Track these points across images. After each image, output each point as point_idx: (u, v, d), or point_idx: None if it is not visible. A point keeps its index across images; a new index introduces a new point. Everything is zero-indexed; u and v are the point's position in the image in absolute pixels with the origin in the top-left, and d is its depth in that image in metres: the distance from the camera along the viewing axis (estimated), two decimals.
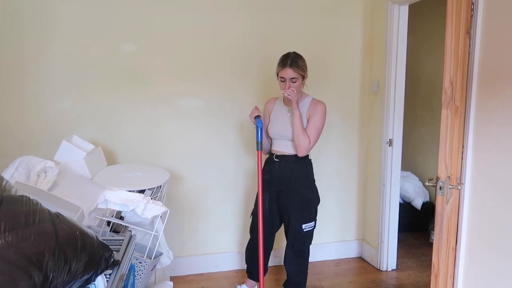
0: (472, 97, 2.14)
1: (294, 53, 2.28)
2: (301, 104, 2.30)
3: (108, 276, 1.22)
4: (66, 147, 2.31)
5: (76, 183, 2.16)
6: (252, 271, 2.56)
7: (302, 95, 2.36)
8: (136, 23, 2.67)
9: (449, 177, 1.71)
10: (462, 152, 2.22)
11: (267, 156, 2.44)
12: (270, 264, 2.71)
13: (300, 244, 2.34)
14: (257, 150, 2.30)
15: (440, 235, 1.68)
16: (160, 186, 2.32)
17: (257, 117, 2.31)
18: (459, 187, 1.79)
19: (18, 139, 2.60)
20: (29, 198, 1.14)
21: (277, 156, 2.33)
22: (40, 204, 1.15)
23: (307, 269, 2.43)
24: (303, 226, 2.30)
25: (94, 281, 1.19)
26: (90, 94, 2.67)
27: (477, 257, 2.17)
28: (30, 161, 2.02)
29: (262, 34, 2.88)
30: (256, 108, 2.35)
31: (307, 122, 2.27)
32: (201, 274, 2.97)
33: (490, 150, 2.07)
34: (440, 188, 1.67)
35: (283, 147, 2.34)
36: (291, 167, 2.30)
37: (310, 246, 2.43)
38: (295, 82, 2.20)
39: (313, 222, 2.35)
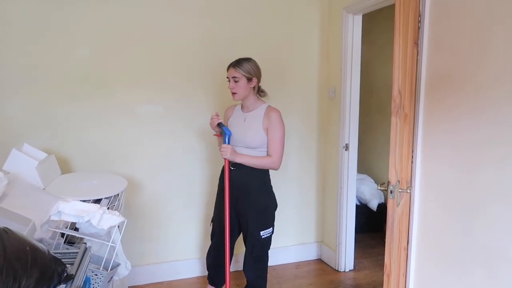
0: (420, 104, 2.27)
1: (246, 57, 2.35)
2: (255, 112, 2.34)
3: None
4: (16, 156, 2.21)
5: (27, 193, 2.08)
6: (213, 278, 2.55)
7: (256, 101, 2.37)
8: (91, 26, 2.60)
9: (399, 181, 1.80)
10: (412, 157, 2.34)
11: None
12: (231, 269, 2.71)
13: (258, 251, 2.36)
14: (224, 157, 2.29)
15: (391, 236, 1.76)
16: (118, 194, 2.27)
17: (220, 124, 2.34)
18: (409, 191, 1.89)
19: None
20: None
21: (233, 164, 2.32)
22: None
23: (267, 274, 2.46)
24: (261, 233, 2.32)
25: None
26: (42, 100, 2.57)
27: (428, 256, 2.29)
28: None
29: (220, 39, 2.89)
30: (216, 115, 2.36)
31: (268, 135, 2.27)
32: (162, 283, 2.93)
33: (437, 154, 2.20)
34: (391, 192, 1.76)
35: (244, 151, 2.34)
36: (247, 175, 2.31)
37: (270, 250, 2.45)
38: (238, 81, 2.28)
39: (271, 228, 2.37)
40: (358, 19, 2.95)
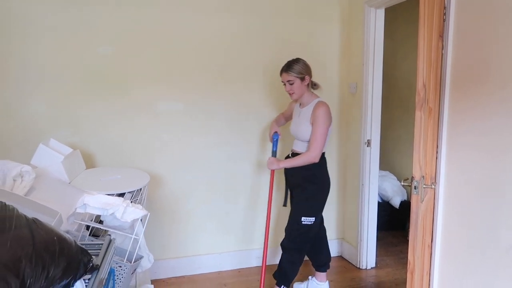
0: (445, 98, 2.21)
1: (294, 59, 2.49)
2: (307, 107, 2.49)
3: (87, 281, 1.21)
4: (43, 150, 2.27)
5: (53, 187, 2.13)
6: (313, 263, 2.78)
7: (310, 97, 2.51)
8: (113, 24, 2.64)
9: (423, 176, 1.76)
10: (437, 152, 2.29)
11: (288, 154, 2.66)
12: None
13: (296, 236, 2.49)
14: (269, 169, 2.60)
15: (415, 233, 1.73)
16: (140, 189, 2.30)
17: (274, 135, 2.70)
18: (433, 186, 1.85)
19: None
20: (5, 204, 1.12)
21: (292, 154, 2.56)
22: (17, 210, 1.13)
23: (299, 262, 2.55)
24: (303, 218, 2.45)
25: (73, 286, 1.18)
26: (67, 97, 2.63)
27: (452, 254, 2.24)
28: (5, 166, 1.98)
29: (240, 36, 2.90)
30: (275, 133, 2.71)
31: (312, 128, 2.43)
32: (183, 277, 2.96)
33: (463, 150, 2.14)
34: (415, 187, 1.72)
35: (296, 146, 2.56)
36: (296, 168, 2.48)
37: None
38: (292, 84, 2.45)
39: (313, 218, 2.47)
40: (381, 13, 2.89)
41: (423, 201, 1.81)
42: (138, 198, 2.23)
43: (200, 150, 2.93)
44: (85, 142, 2.70)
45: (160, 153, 2.85)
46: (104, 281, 1.28)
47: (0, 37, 2.48)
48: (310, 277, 2.79)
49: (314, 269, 2.78)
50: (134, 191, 2.25)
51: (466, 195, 2.13)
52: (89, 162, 2.69)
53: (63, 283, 1.12)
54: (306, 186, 2.49)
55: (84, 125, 2.69)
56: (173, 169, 2.89)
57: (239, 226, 3.09)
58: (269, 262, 3.06)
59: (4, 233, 1.02)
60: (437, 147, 2.26)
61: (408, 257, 1.75)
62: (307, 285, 2.77)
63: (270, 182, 2.65)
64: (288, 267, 2.54)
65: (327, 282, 2.70)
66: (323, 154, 2.49)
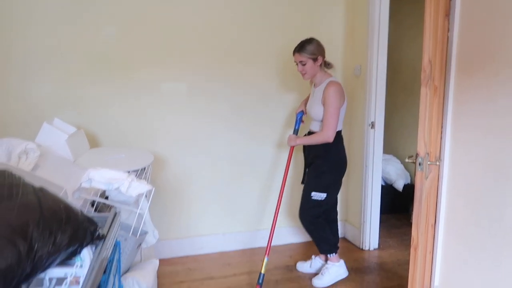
0: (451, 77, 2.19)
1: (307, 39, 2.49)
2: (320, 87, 2.51)
3: (94, 249, 1.23)
4: (47, 129, 2.28)
5: (58, 165, 2.14)
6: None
7: (323, 76, 2.52)
8: (117, 5, 2.63)
9: (428, 153, 1.76)
10: (441, 130, 2.28)
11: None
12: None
13: (306, 209, 2.57)
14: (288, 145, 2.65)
15: (419, 209, 1.73)
16: (144, 168, 2.31)
17: (298, 114, 2.74)
18: (438, 163, 1.85)
19: None
20: (11, 172, 1.13)
21: (309, 133, 2.63)
22: (23, 179, 1.14)
23: (323, 232, 2.63)
24: (313, 193, 2.52)
25: (80, 253, 1.20)
26: (71, 78, 2.63)
27: (456, 232, 2.24)
28: (10, 143, 1.99)
29: (246, 17, 2.87)
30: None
31: (323, 108, 2.45)
32: (187, 257, 2.99)
33: (468, 129, 2.13)
34: (419, 164, 1.72)
35: (312, 125, 2.61)
36: (313, 146, 2.54)
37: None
38: (305, 64, 2.46)
39: (325, 194, 2.52)
40: None
41: (427, 178, 1.81)
42: (142, 178, 2.24)
43: (204, 131, 2.93)
44: (89, 123, 2.70)
45: (164, 135, 2.86)
46: (110, 251, 1.30)
47: (4, 19, 2.47)
48: (313, 256, 2.81)
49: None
50: (138, 170, 2.26)
51: (471, 174, 2.13)
52: (93, 143, 2.70)
53: (70, 250, 1.13)
54: (319, 162, 2.54)
55: (88, 106, 2.69)
56: (177, 151, 2.90)
57: (243, 208, 3.11)
58: (274, 243, 3.09)
59: (12, 199, 1.03)
60: (442, 126, 2.26)
61: (412, 234, 1.76)
62: (311, 265, 2.79)
63: (288, 160, 2.66)
64: (317, 239, 2.65)
65: (341, 260, 2.70)
66: (339, 132, 2.52)
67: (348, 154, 3.25)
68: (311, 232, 2.65)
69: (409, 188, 3.71)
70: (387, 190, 3.66)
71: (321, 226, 2.62)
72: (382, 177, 3.57)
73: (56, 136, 2.27)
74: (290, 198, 3.17)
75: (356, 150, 3.18)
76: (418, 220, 1.75)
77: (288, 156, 2.68)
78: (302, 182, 2.72)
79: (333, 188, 2.59)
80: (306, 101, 2.77)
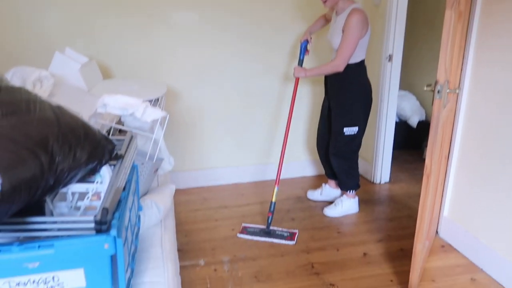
0: (477, 4, 2.07)
1: None
2: (342, 15, 2.39)
3: (113, 167, 1.26)
4: (60, 58, 2.26)
5: (73, 94, 2.15)
6: (326, 171, 2.86)
7: (345, 3, 2.39)
8: None
9: (447, 81, 1.71)
10: (463, 59, 2.20)
11: None
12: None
13: (341, 147, 2.55)
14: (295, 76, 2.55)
15: (434, 138, 1.72)
16: (158, 99, 2.32)
17: (303, 44, 2.60)
18: (457, 91, 1.80)
19: (8, 51, 2.54)
20: (27, 89, 1.14)
21: None
22: (40, 96, 1.15)
23: (355, 171, 2.65)
24: (345, 129, 2.50)
25: (99, 171, 1.23)
26: (82, 8, 2.56)
27: (469, 164, 2.25)
28: (23, 71, 1.99)
29: None
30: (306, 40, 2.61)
31: (342, 35, 2.35)
32: (201, 187, 3.09)
33: (491, 60, 2.05)
34: (438, 91, 1.68)
35: (333, 56, 2.48)
36: (336, 74, 2.43)
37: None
38: None
39: (356, 128, 2.51)
40: None
41: (445, 107, 1.77)
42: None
43: (216, 63, 2.88)
44: (100, 54, 2.67)
45: (176, 67, 2.82)
46: (128, 170, 1.33)
47: None
48: (323, 184, 2.89)
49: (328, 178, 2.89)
50: (152, 100, 2.26)
51: (488, 106, 2.08)
52: (105, 74, 2.69)
53: (90, 166, 1.17)
54: (343, 95, 2.48)
55: (100, 37, 2.65)
56: (190, 83, 2.88)
57: (257, 141, 3.14)
58: (284, 175, 3.15)
59: (30, 114, 1.04)
60: (464, 54, 2.17)
61: (426, 162, 1.76)
62: (321, 192, 2.86)
63: (294, 91, 2.59)
64: (346, 175, 2.64)
65: (357, 197, 2.75)
66: (362, 61, 2.45)
67: None
68: (342, 168, 2.62)
69: (424, 125, 3.67)
70: (401, 126, 3.63)
71: (355, 162, 2.64)
72: (396, 113, 3.52)
73: (68, 65, 2.25)
74: (302, 131, 3.18)
75: (372, 83, 3.10)
76: (432, 148, 1.74)
77: (294, 88, 2.60)
78: (322, 116, 2.68)
79: (363, 119, 2.53)
80: (311, 29, 2.67)
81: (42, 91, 1.99)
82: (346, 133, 2.50)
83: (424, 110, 3.77)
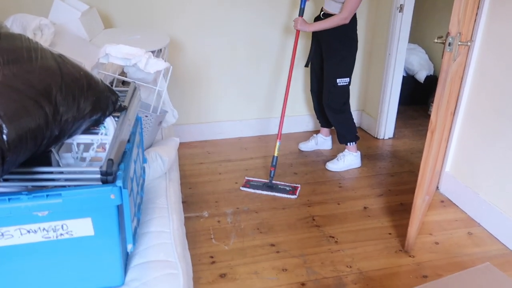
0: None
1: None
2: None
3: (117, 119, 1.26)
4: (59, 6, 2.19)
5: (74, 43, 2.11)
6: (320, 121, 2.94)
7: None
8: None
9: (460, 33, 1.65)
10: (478, 10, 2.12)
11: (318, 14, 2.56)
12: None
13: (334, 98, 2.57)
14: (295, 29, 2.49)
15: (442, 92, 1.68)
16: (161, 50, 2.26)
17: None
18: (469, 44, 1.74)
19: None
20: (28, 37, 1.10)
21: (323, 14, 2.47)
22: (41, 44, 1.12)
23: (351, 122, 2.67)
24: (338, 80, 2.51)
25: (103, 123, 1.23)
26: None
27: (474, 121, 2.23)
28: (23, 18, 1.93)
29: None
30: None
31: None
32: (205, 141, 3.10)
33: (506, 14, 1.97)
34: (449, 44, 1.62)
35: (327, 5, 2.43)
36: (328, 30, 2.40)
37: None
38: None
39: (348, 78, 2.54)
40: None
41: (455, 60, 1.73)
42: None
43: (221, 13, 2.78)
44: (101, 2, 2.58)
45: (180, 16, 2.73)
46: (132, 124, 1.33)
47: None
48: (314, 134, 2.98)
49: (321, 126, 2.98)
50: (155, 51, 2.21)
51: (499, 64, 2.03)
52: (106, 23, 2.61)
53: (94, 117, 1.16)
54: (338, 47, 2.47)
55: None
56: (194, 33, 2.80)
57: (260, 94, 3.10)
58: (287, 130, 3.15)
59: (32, 62, 1.02)
60: (478, 8, 2.09)
61: (431, 117, 1.74)
62: (317, 142, 2.95)
63: (294, 44, 2.54)
64: (343, 128, 2.67)
65: (359, 152, 2.77)
66: (355, 14, 2.38)
67: (372, 40, 3.12)
68: (337, 121, 2.65)
69: (431, 80, 3.60)
70: (408, 81, 3.57)
71: (349, 112, 2.66)
72: (404, 68, 3.45)
73: (69, 13, 2.19)
74: (304, 86, 3.13)
75: (381, 36, 3.02)
76: (439, 103, 1.72)
77: (295, 42, 2.54)
78: (306, 66, 2.68)
79: (352, 70, 2.56)
80: None
81: (43, 40, 1.94)
82: (339, 84, 2.53)
83: (433, 64, 3.69)
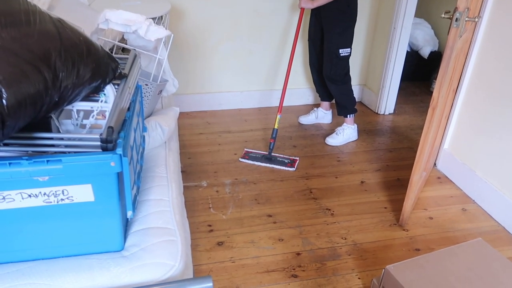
0: None
1: None
2: None
3: (116, 87, 1.25)
4: None
5: (73, 7, 2.06)
6: (320, 94, 2.95)
7: None
8: None
9: (468, 8, 1.61)
10: None
11: None
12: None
13: (337, 70, 2.58)
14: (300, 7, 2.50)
15: (445, 69, 1.67)
16: (161, 17, 2.22)
17: None
18: (476, 20, 1.71)
19: None
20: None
21: None
22: (39, 7, 1.09)
23: (351, 93, 2.70)
24: (340, 50, 2.53)
25: (103, 90, 1.22)
26: None
27: (477, 99, 2.22)
28: None
29: None
30: None
31: None
32: (205, 111, 3.09)
33: None
34: (456, 19, 1.59)
35: None
36: (329, 4, 2.43)
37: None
38: None
39: (349, 49, 2.56)
40: None
41: (461, 37, 1.70)
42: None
43: None
44: None
45: None
46: (133, 90, 1.32)
47: None
48: (315, 108, 2.99)
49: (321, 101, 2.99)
50: (156, 18, 2.17)
51: (506, 41, 2.00)
52: None
53: (94, 84, 1.15)
54: (340, 18, 2.48)
55: None
56: (196, 1, 2.73)
57: (262, 66, 3.07)
58: (287, 103, 3.14)
59: (30, 26, 1.00)
60: None
61: (433, 94, 1.73)
62: (317, 116, 2.96)
63: (298, 23, 2.54)
64: (344, 98, 2.68)
65: (355, 124, 2.80)
66: None
67: (377, 14, 3.06)
68: (340, 92, 2.67)
69: (435, 56, 3.57)
70: (412, 56, 3.53)
71: (350, 82, 2.67)
72: (408, 43, 3.39)
73: None
74: (306, 59, 3.09)
75: (386, 9, 2.96)
76: (442, 80, 1.70)
77: (299, 19, 2.54)
78: (312, 40, 2.67)
79: (352, 41, 2.57)
80: None
81: (41, 3, 1.90)
82: (341, 54, 2.54)
83: (438, 40, 3.63)
